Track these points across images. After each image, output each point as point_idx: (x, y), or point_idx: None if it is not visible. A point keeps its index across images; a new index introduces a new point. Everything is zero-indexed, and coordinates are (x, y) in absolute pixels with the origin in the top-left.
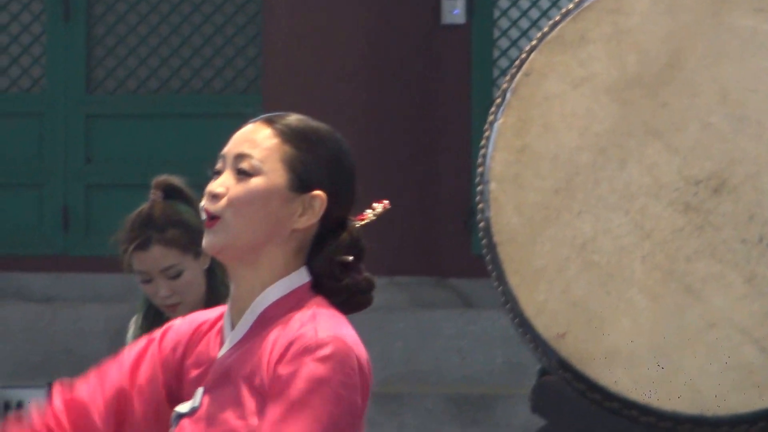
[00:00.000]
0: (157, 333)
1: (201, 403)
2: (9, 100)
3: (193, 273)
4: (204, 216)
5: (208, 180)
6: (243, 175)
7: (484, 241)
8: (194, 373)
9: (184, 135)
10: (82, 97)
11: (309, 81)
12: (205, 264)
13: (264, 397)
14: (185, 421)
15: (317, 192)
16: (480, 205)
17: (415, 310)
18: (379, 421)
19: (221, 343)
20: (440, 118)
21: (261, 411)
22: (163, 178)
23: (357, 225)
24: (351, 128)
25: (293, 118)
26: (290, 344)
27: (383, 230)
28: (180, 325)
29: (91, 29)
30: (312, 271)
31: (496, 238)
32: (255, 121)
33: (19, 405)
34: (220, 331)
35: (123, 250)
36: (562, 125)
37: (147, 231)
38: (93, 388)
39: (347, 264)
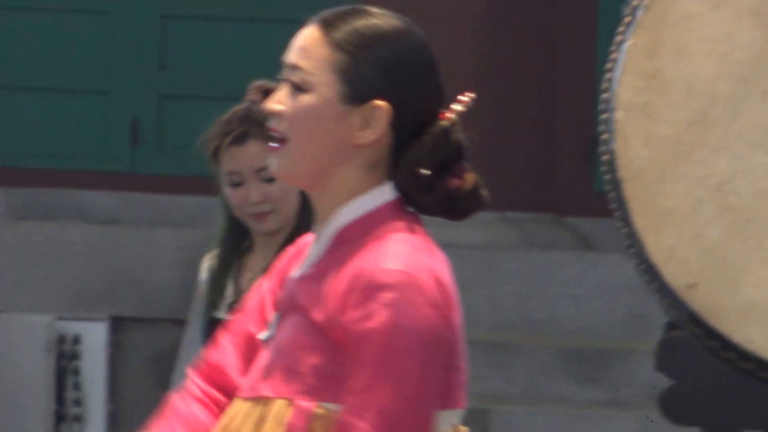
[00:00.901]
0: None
1: (276, 331)
2: None
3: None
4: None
5: None
6: (296, 89)
7: (607, 177)
8: (280, 295)
9: (271, 40)
10: None
11: None
12: None
13: (325, 336)
14: (262, 352)
15: (378, 102)
16: (604, 136)
17: (528, 251)
18: (484, 373)
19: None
20: (561, 36)
21: (321, 349)
22: (262, 82)
23: (442, 125)
24: (461, 46)
25: (349, 18)
26: (354, 278)
27: (493, 161)
28: (288, 251)
29: None
30: (396, 186)
31: (622, 174)
32: (312, 21)
33: (76, 340)
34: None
35: (214, 148)
36: (699, 50)
37: (245, 125)
38: (225, 348)
39: (443, 167)
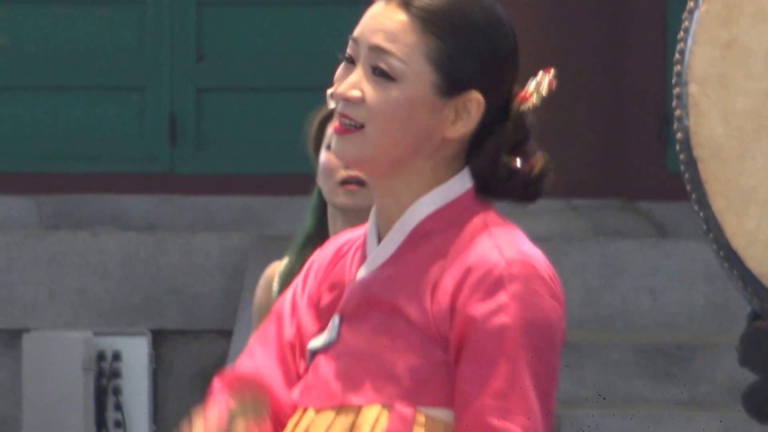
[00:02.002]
0: (302, 271)
1: (340, 335)
2: None
3: None
4: (338, 119)
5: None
6: (382, 76)
7: (682, 156)
8: (328, 298)
9: (317, 24)
10: None
11: None
12: None
13: (424, 335)
14: (321, 359)
15: (473, 93)
16: (677, 112)
17: (598, 240)
18: None
19: (361, 264)
20: (630, 5)
21: (423, 350)
22: None
23: (521, 109)
24: (521, 20)
25: (436, 0)
26: (469, 271)
27: (558, 142)
28: (323, 251)
29: None
30: (474, 173)
31: (697, 153)
32: (391, 2)
33: (116, 356)
34: (361, 250)
35: (325, 115)
36: None
37: None
38: (260, 356)
39: (514, 149)
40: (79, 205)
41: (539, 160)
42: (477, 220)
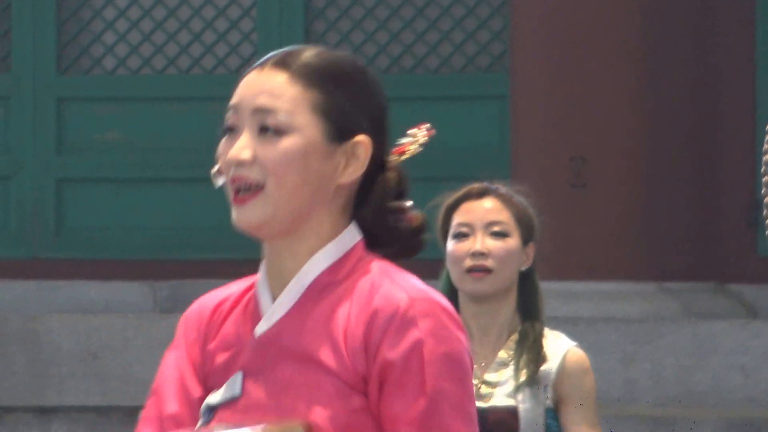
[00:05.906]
0: (177, 339)
1: (245, 390)
2: (214, 82)
3: (516, 248)
4: (231, 186)
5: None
6: (270, 133)
7: None
8: (222, 357)
9: (418, 120)
10: None
11: (566, 58)
12: (526, 262)
13: (344, 381)
14: (225, 413)
15: (359, 137)
16: (766, 199)
17: (690, 321)
18: None
19: (254, 320)
20: (720, 97)
21: (340, 397)
22: (484, 184)
23: (399, 160)
24: (616, 112)
25: (308, 55)
26: (376, 313)
27: (651, 228)
28: (192, 313)
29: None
30: (361, 224)
31: None
32: (262, 66)
33: None
34: (249, 307)
35: (451, 203)
36: None
37: (486, 185)
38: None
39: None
40: (193, 290)
41: (417, 215)
42: (374, 267)
